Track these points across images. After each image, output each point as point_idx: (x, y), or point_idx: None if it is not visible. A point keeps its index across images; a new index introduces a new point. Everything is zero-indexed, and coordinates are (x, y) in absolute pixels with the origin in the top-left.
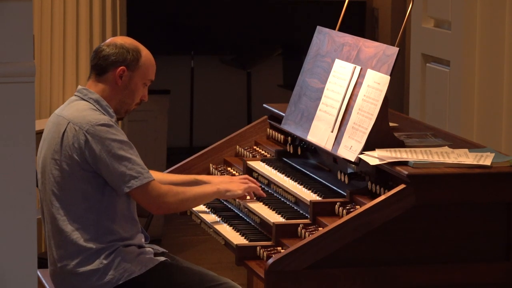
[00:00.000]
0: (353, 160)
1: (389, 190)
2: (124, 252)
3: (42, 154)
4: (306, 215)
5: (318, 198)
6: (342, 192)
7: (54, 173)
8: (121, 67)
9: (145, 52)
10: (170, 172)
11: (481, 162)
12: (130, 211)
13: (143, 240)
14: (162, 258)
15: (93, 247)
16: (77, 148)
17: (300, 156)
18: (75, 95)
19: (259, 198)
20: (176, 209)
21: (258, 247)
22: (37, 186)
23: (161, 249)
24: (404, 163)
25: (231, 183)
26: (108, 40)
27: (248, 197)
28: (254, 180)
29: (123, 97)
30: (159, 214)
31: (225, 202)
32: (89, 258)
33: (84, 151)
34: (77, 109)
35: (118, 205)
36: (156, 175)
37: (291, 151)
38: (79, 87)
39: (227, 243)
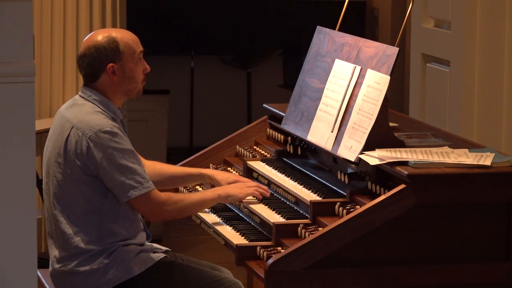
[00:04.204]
0: (353, 160)
1: (389, 190)
2: (124, 251)
3: (47, 154)
4: (306, 215)
5: (318, 198)
6: (342, 192)
7: (57, 176)
8: (109, 65)
9: (119, 35)
10: None
11: (481, 162)
12: (134, 212)
13: (145, 238)
14: (162, 255)
15: (95, 249)
16: (79, 154)
17: (300, 156)
18: (79, 95)
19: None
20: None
21: (258, 247)
22: (41, 184)
23: (163, 248)
24: (404, 163)
25: (233, 186)
26: (82, 48)
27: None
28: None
29: (126, 86)
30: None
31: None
32: (89, 258)
33: (86, 157)
34: (81, 111)
35: (122, 208)
36: (160, 166)
37: (291, 151)
38: (83, 87)
39: (227, 243)
